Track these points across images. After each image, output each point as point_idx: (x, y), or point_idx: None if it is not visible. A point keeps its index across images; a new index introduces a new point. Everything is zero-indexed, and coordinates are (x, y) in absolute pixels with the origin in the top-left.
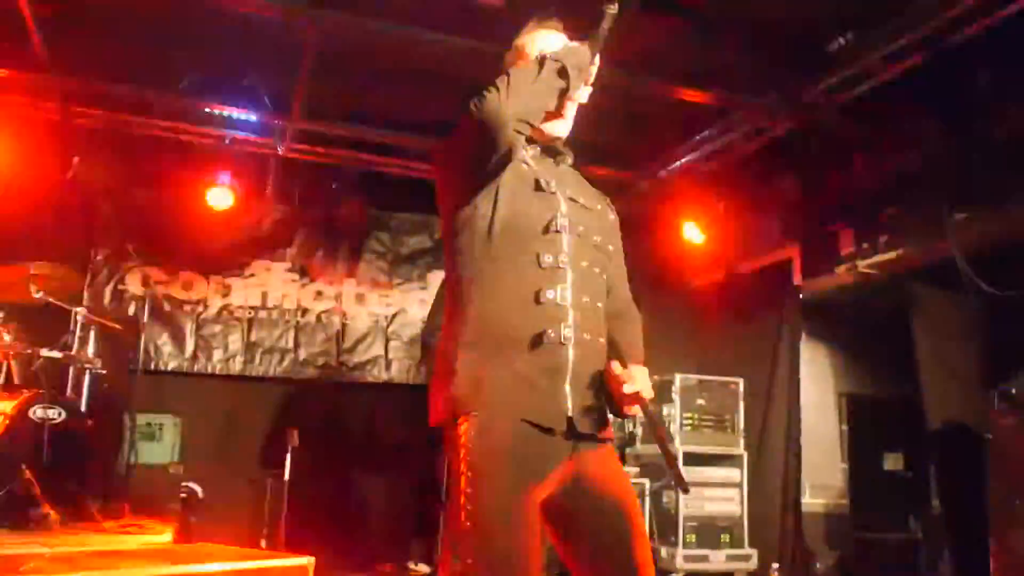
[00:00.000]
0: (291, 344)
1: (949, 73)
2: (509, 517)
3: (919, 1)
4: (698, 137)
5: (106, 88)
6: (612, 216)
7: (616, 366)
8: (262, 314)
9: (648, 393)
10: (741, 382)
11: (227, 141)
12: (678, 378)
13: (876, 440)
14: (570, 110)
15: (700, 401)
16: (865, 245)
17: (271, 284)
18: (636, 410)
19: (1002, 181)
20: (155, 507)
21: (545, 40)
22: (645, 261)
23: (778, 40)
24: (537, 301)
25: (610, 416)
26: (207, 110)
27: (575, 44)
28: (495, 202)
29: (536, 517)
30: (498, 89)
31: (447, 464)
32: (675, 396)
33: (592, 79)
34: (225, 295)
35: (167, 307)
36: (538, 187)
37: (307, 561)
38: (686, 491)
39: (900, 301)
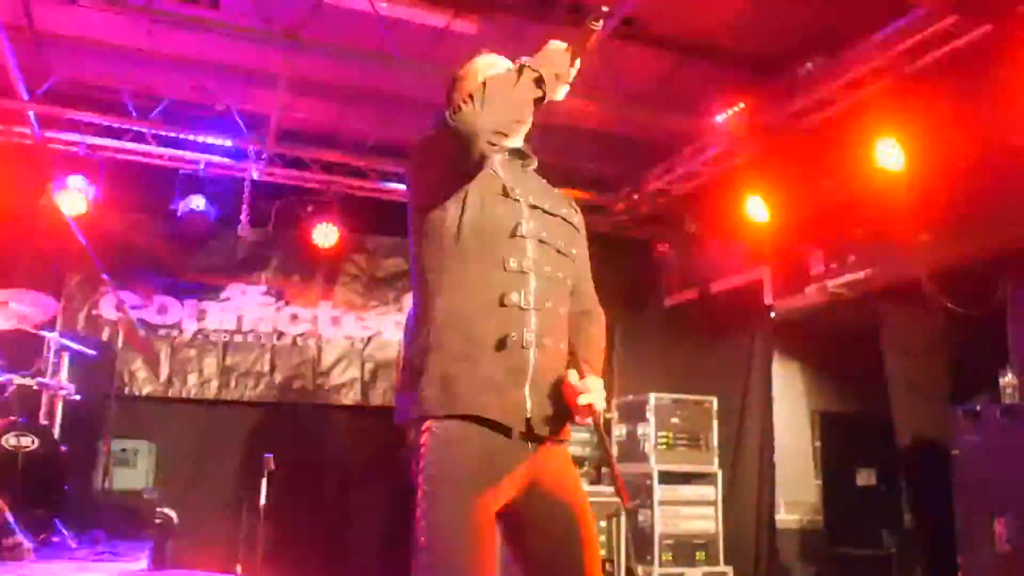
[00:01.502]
0: (267, 368)
1: (910, 96)
2: (463, 535)
3: (881, 31)
4: (671, 160)
5: (80, 114)
6: (576, 219)
7: (573, 375)
8: (237, 338)
9: (600, 405)
10: (715, 400)
11: (202, 166)
12: (652, 397)
13: (849, 456)
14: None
15: (674, 420)
16: (834, 266)
17: (246, 307)
18: (588, 421)
19: (963, 203)
20: (130, 533)
21: (489, 59)
22: (620, 282)
23: (745, 66)
24: (502, 304)
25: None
26: (182, 135)
27: (554, 49)
28: (463, 205)
29: (491, 530)
30: (473, 100)
31: (409, 471)
32: (649, 415)
33: (571, 79)
34: (200, 319)
35: (142, 332)
36: (505, 193)
37: None
38: (627, 506)
39: (869, 320)
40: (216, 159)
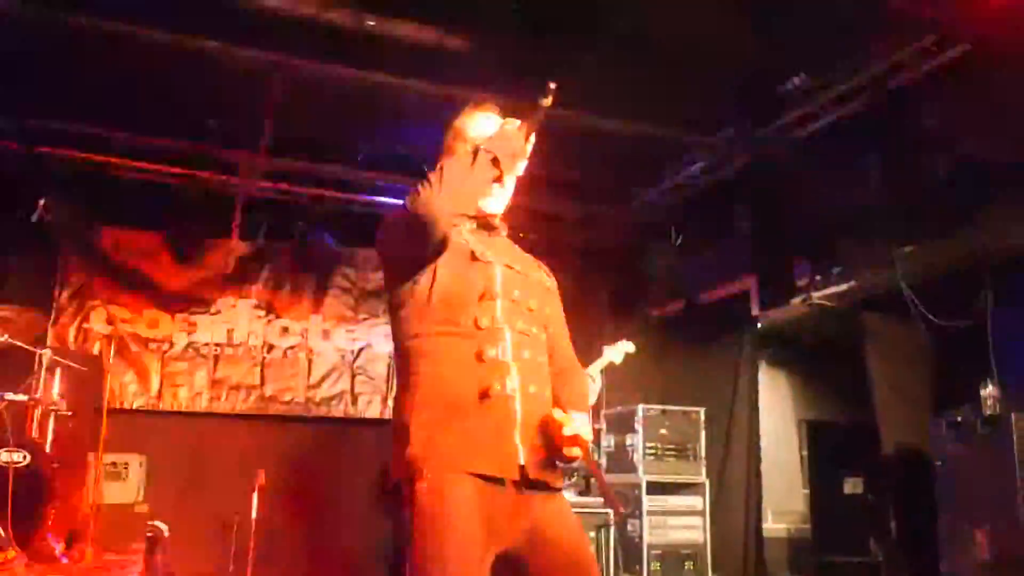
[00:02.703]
0: (257, 380)
1: (896, 113)
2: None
3: (868, 45)
4: (659, 172)
5: (70, 128)
6: (549, 282)
7: (557, 412)
8: (228, 351)
9: (588, 436)
10: (702, 411)
11: (191, 181)
12: (640, 408)
13: (836, 465)
14: (507, 187)
15: (662, 431)
16: (819, 277)
17: (237, 321)
18: (577, 452)
19: (945, 216)
20: (120, 546)
21: (481, 122)
22: (607, 293)
23: (734, 81)
24: (480, 359)
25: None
26: (172, 149)
27: (509, 129)
28: (434, 275)
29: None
30: (431, 184)
31: (403, 522)
32: (638, 426)
33: (527, 155)
34: (190, 332)
35: (132, 345)
36: (474, 258)
37: None
38: (621, 513)
39: (854, 330)
40: (206, 174)
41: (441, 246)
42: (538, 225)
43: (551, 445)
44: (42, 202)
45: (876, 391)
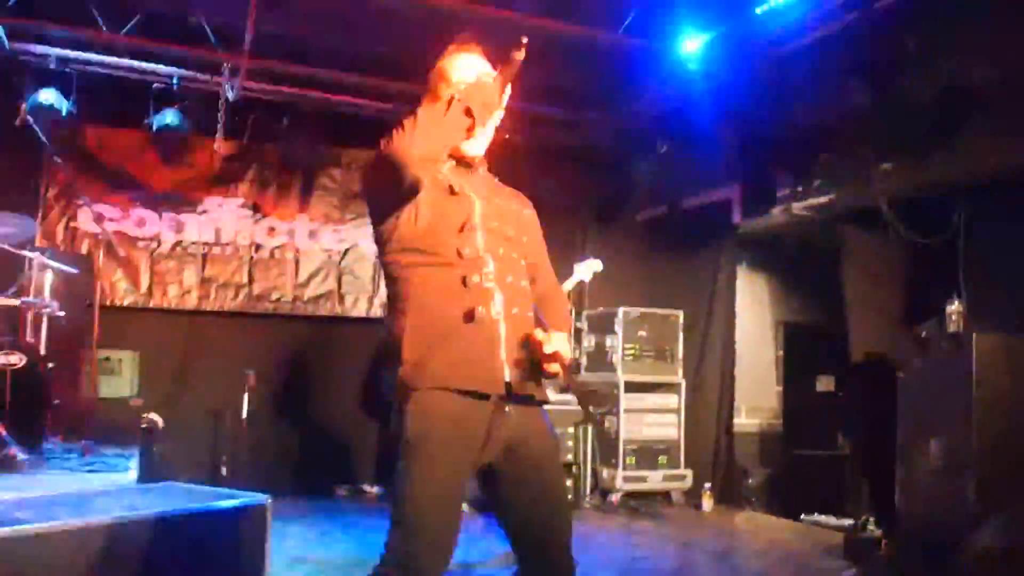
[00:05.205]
0: (245, 279)
1: (879, 34)
2: (433, 491)
3: None
4: (645, 79)
5: (50, 25)
6: (528, 212)
7: (538, 331)
8: (216, 250)
9: (567, 354)
10: (681, 314)
11: (175, 80)
12: (620, 311)
13: (810, 364)
14: (487, 130)
15: (641, 332)
16: (800, 189)
17: (224, 220)
18: (556, 368)
19: (924, 136)
20: (117, 439)
21: (463, 64)
22: (593, 197)
23: None
24: (464, 285)
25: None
26: (155, 49)
27: (484, 80)
28: (416, 210)
29: (457, 489)
30: (404, 130)
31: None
32: (618, 328)
33: (504, 105)
34: (178, 231)
35: (121, 244)
36: (452, 192)
37: (266, 500)
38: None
39: (832, 241)
40: (190, 73)
41: (415, 187)
42: (525, 128)
43: (533, 361)
44: (24, 105)
45: (848, 301)
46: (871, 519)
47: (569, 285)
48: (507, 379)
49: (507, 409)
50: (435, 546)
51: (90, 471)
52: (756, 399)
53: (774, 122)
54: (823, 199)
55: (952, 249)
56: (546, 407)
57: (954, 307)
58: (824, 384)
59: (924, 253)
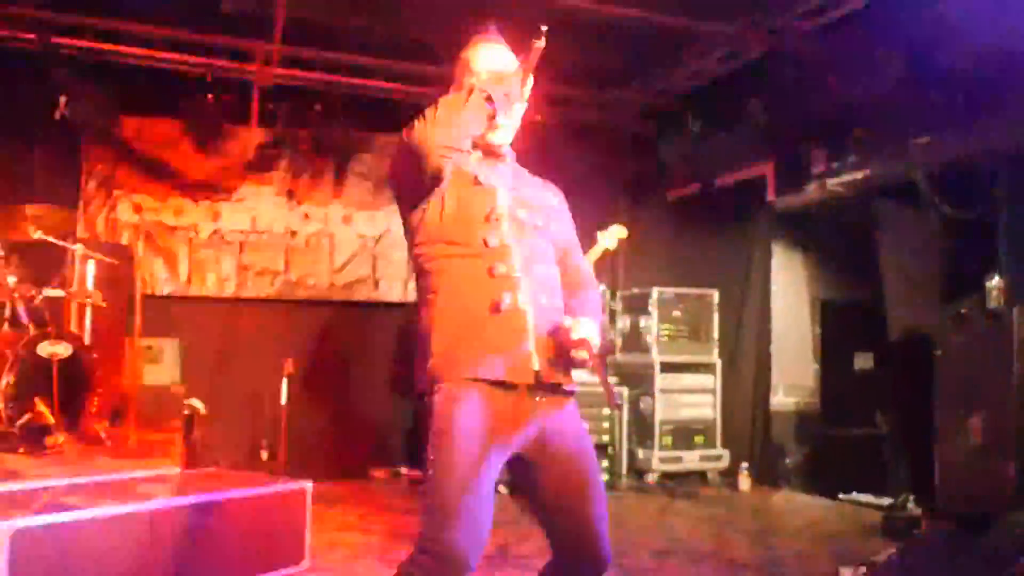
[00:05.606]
0: (282, 266)
1: (914, 4)
2: (462, 479)
3: None
4: (677, 56)
5: (83, 18)
6: (557, 201)
7: (567, 319)
8: (252, 237)
9: (595, 341)
10: (716, 293)
11: (210, 69)
12: (655, 291)
13: (847, 341)
14: (513, 119)
15: (676, 313)
16: (835, 164)
17: (260, 208)
18: (584, 355)
19: (960, 109)
20: (160, 425)
21: (487, 53)
22: (625, 176)
23: None
24: (491, 275)
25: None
26: (189, 38)
27: (506, 70)
28: (442, 200)
29: (488, 476)
30: (425, 120)
31: (425, 428)
32: (652, 309)
33: (526, 97)
34: (215, 219)
35: (159, 234)
36: (477, 182)
37: (307, 485)
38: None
39: (868, 216)
40: (223, 62)
41: (437, 176)
42: (555, 110)
43: (561, 349)
44: (63, 99)
45: (885, 278)
46: (910, 498)
47: (594, 255)
48: (535, 368)
49: (537, 398)
50: (468, 533)
51: (135, 458)
52: (793, 378)
53: (807, 97)
54: (858, 175)
55: (991, 223)
56: (583, 389)
57: (994, 282)
58: (862, 362)
59: (962, 227)
